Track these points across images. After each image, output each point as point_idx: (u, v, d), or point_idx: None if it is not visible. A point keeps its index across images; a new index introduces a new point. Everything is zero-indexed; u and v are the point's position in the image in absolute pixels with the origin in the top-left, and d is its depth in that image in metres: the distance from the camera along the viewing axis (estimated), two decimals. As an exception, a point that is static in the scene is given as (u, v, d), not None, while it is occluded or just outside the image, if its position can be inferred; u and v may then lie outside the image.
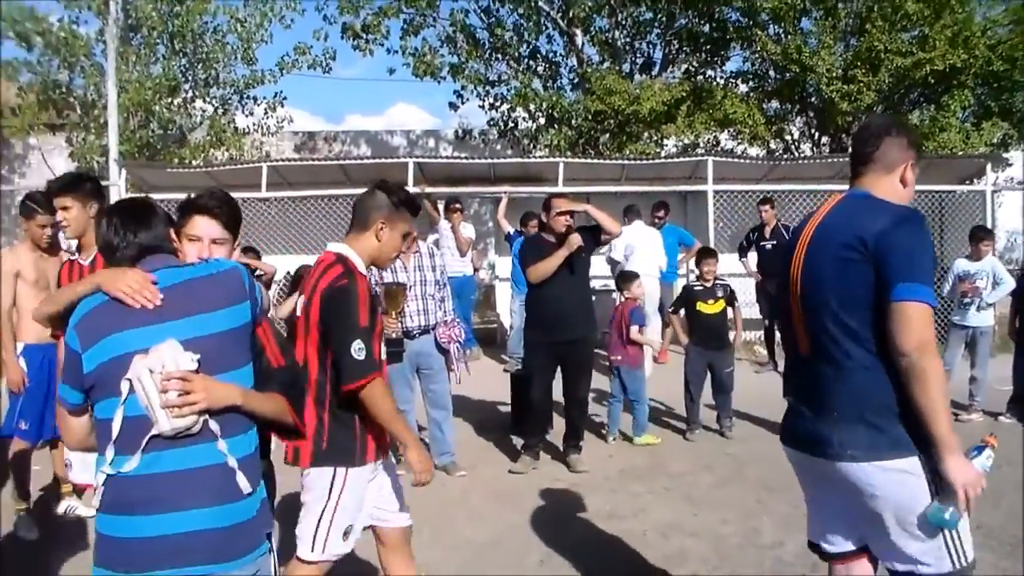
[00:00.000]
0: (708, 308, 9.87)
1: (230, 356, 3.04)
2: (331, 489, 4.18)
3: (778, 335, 13.20)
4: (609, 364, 9.87)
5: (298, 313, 4.28)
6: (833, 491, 3.58)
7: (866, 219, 3.38)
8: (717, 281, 10.02)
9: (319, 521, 4.21)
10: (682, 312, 10.18)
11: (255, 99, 19.50)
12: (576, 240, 8.15)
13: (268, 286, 9.82)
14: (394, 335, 7.94)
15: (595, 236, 8.39)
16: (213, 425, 2.91)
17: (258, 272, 9.72)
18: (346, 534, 4.29)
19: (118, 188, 14.82)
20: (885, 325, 3.23)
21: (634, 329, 9.69)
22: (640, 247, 12.82)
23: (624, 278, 10.27)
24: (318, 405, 4.15)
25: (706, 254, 10.25)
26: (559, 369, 8.61)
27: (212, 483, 2.91)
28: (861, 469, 3.35)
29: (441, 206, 14.38)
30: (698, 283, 10.11)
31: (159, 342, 2.87)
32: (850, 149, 3.79)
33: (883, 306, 3.24)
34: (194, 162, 17.62)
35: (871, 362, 3.32)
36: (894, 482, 3.31)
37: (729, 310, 10.08)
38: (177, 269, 3.12)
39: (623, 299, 9.96)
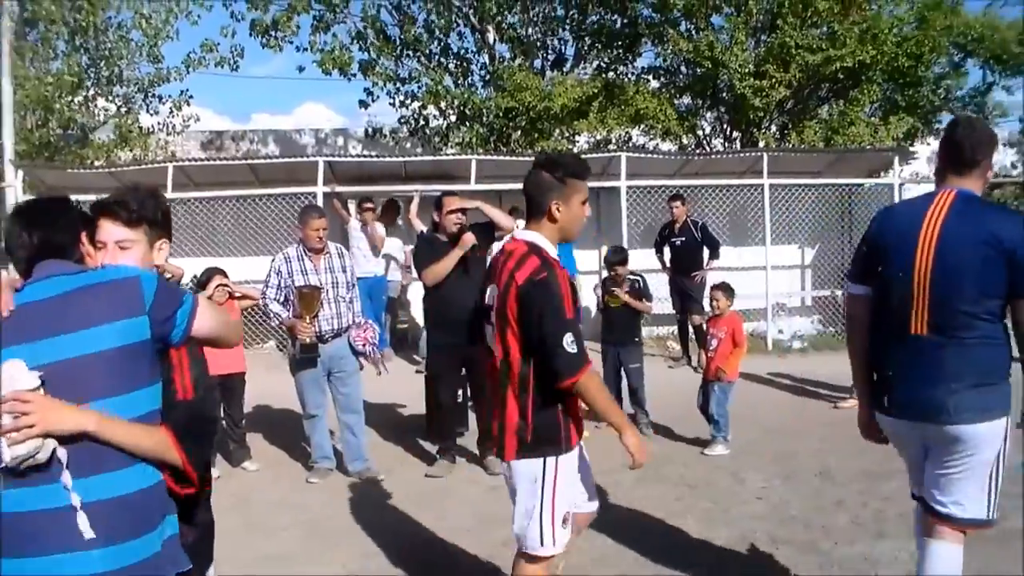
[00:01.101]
0: (614, 301, 9.86)
1: (112, 379, 2.67)
2: (543, 480, 4.11)
3: (692, 330, 13.27)
4: None
5: (487, 302, 4.26)
6: (927, 449, 4.27)
7: (996, 222, 3.96)
8: (629, 277, 10.00)
9: (541, 514, 4.15)
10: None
11: (160, 98, 19.02)
12: (469, 239, 8.04)
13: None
14: (308, 340, 7.76)
15: (489, 233, 8.26)
16: (61, 453, 2.57)
17: (166, 274, 9.49)
18: (565, 521, 4.21)
19: (14, 190, 14.36)
20: (1013, 315, 3.94)
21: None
22: None
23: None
24: (521, 396, 4.09)
25: (615, 254, 10.20)
26: (465, 370, 8.54)
27: (59, 526, 2.57)
28: (970, 429, 3.97)
29: (353, 206, 14.16)
30: (609, 280, 10.11)
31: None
32: (959, 151, 4.14)
33: (1014, 299, 3.91)
34: (96, 163, 17.12)
35: (995, 339, 3.98)
36: (989, 438, 4.00)
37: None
38: (66, 278, 2.75)
39: None
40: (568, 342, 3.93)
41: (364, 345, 8.10)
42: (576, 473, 4.28)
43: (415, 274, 10.20)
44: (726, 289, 9.32)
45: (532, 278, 4.00)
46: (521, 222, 12.62)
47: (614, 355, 9.92)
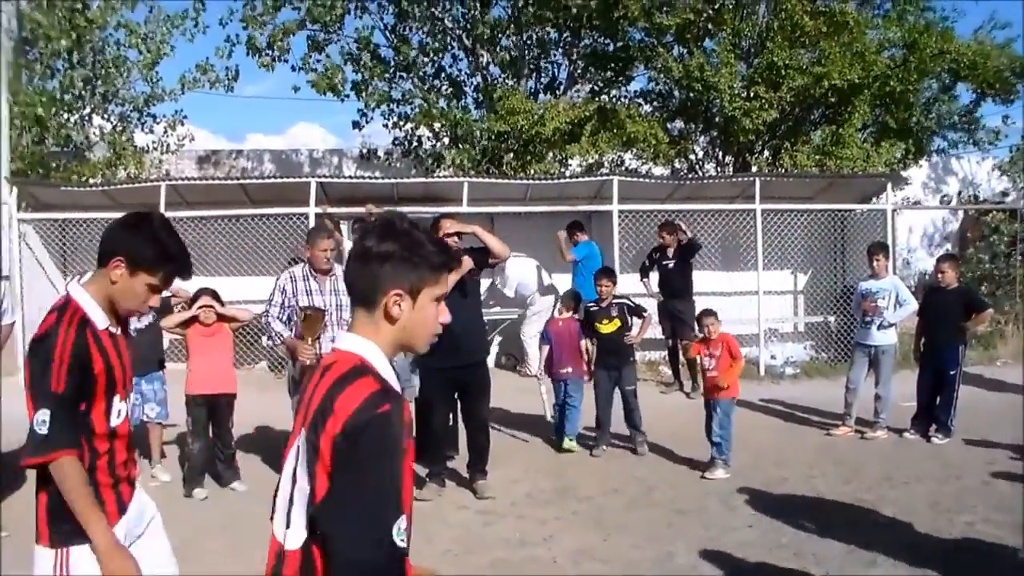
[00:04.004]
0: (604, 328, 9.95)
1: None
2: None
3: (682, 356, 13.21)
4: (554, 378, 10.15)
5: None
6: None
7: None
8: (614, 301, 10.02)
9: None
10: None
11: (154, 117, 18.96)
12: (467, 263, 8.02)
13: (170, 309, 9.51)
14: (309, 361, 7.69)
15: (483, 258, 8.25)
16: None
17: (174, 298, 9.52)
18: None
19: (8, 207, 14.28)
20: None
21: (584, 342, 10.07)
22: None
23: (569, 297, 10.71)
24: None
25: (600, 275, 10.28)
26: (457, 394, 8.51)
27: None
28: None
29: (346, 227, 14.15)
30: (594, 304, 10.15)
31: None
32: None
33: None
34: (91, 180, 17.06)
35: None
36: None
37: (635, 322, 10.09)
38: None
39: (565, 316, 10.25)
40: None
41: None
42: None
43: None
44: (715, 315, 9.37)
45: None
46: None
47: (611, 379, 9.93)
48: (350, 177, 17.32)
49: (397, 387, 2.39)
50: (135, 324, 9.12)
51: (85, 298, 3.43)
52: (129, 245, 3.37)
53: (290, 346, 8.00)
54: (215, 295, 8.76)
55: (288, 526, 2.45)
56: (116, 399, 3.49)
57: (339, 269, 8.24)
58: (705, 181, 16.40)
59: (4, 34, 15.80)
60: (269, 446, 10.03)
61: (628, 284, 12.47)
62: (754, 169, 17.90)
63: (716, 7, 17.33)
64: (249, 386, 10.95)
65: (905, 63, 16.79)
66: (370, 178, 16.23)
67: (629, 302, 10.25)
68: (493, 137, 17.80)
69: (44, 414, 3.24)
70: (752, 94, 16.75)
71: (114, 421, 3.49)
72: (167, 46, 18.27)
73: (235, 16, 18.61)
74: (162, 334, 9.48)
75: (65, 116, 17.56)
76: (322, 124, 65.11)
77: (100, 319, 3.43)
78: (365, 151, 20.27)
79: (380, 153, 20.41)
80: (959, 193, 21.18)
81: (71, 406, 3.29)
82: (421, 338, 2.57)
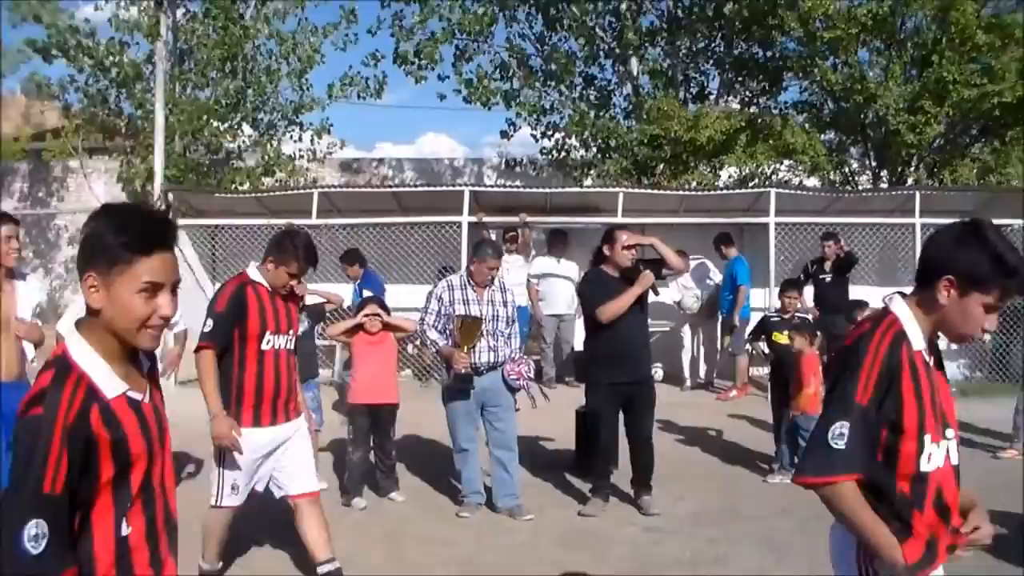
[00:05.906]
0: (782, 339, 9.52)
1: None
2: None
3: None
4: None
5: None
6: None
7: None
8: (797, 314, 9.69)
9: None
10: (762, 345, 9.92)
11: (301, 125, 19.28)
12: (650, 278, 7.92)
13: (323, 315, 9.57)
14: (463, 371, 7.63)
15: (657, 271, 8.10)
16: None
17: (328, 304, 9.60)
18: None
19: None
20: None
21: None
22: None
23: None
24: None
25: (788, 286, 9.94)
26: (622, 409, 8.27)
27: None
28: None
29: (495, 235, 14.11)
30: (776, 314, 9.80)
31: None
32: None
33: None
34: (242, 187, 17.38)
35: None
36: None
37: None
38: None
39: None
40: None
41: (518, 379, 7.94)
42: None
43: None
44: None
45: None
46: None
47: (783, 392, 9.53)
48: (503, 186, 17.31)
49: None
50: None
51: (906, 314, 3.06)
52: (963, 262, 2.95)
53: (445, 354, 7.93)
54: (382, 304, 8.78)
55: None
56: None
57: (497, 280, 8.17)
58: (863, 194, 15.96)
59: (161, 45, 16.23)
60: (421, 455, 10.00)
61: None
62: (910, 182, 17.37)
63: (874, 17, 16.83)
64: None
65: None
66: (523, 187, 16.16)
67: (809, 319, 9.96)
68: (645, 143, 17.59)
69: (843, 426, 2.89)
70: (916, 107, 16.23)
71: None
72: (318, 55, 18.59)
73: (383, 26, 18.89)
74: (315, 342, 9.52)
75: (216, 124, 17.92)
76: (450, 134, 66.06)
77: (917, 340, 3.03)
78: (511, 160, 20.29)
79: (524, 162, 20.40)
80: None
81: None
82: None
